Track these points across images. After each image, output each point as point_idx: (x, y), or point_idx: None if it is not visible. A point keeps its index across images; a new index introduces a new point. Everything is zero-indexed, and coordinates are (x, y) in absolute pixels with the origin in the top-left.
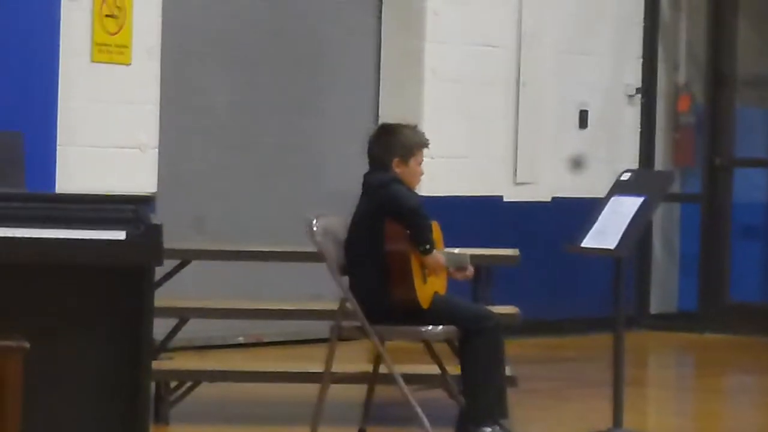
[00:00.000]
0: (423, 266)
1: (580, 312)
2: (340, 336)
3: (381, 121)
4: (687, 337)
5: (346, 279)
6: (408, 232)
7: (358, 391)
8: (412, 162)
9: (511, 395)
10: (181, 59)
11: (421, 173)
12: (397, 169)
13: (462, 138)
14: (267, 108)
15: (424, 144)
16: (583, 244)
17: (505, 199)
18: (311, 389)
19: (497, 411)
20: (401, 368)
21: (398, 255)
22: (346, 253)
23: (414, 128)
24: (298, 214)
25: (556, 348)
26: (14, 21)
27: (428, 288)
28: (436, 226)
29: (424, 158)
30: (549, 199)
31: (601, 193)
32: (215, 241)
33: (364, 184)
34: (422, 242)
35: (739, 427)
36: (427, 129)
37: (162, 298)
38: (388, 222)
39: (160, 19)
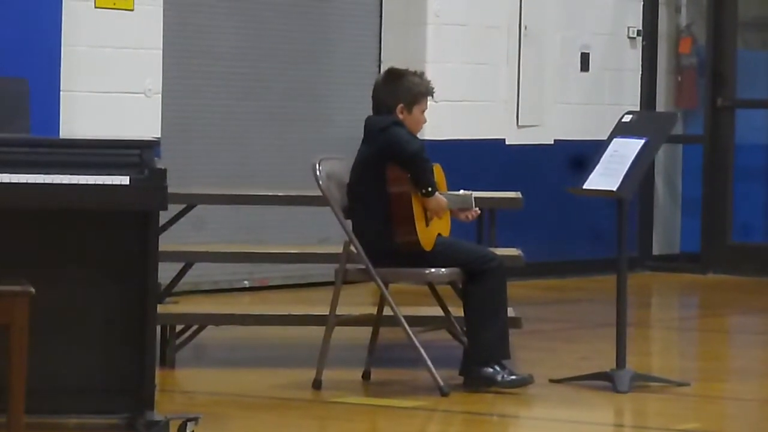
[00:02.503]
0: (425, 209)
1: (583, 254)
2: (345, 279)
3: (383, 65)
4: (690, 278)
5: (350, 222)
6: (409, 175)
7: (363, 333)
8: (416, 110)
9: (515, 337)
10: (185, 4)
11: (424, 121)
12: (401, 116)
13: (465, 82)
14: (271, 53)
15: (430, 92)
16: (585, 186)
17: (507, 143)
18: (316, 332)
19: (500, 352)
20: (405, 310)
21: (400, 198)
22: (349, 196)
23: (421, 75)
24: (303, 160)
25: (559, 290)
26: None
27: (431, 230)
28: (438, 169)
29: (428, 106)
30: (551, 142)
31: (604, 136)
32: (221, 185)
33: (365, 128)
34: (424, 185)
35: (742, 367)
36: (430, 73)
37: (167, 242)
38: (390, 165)
39: None
